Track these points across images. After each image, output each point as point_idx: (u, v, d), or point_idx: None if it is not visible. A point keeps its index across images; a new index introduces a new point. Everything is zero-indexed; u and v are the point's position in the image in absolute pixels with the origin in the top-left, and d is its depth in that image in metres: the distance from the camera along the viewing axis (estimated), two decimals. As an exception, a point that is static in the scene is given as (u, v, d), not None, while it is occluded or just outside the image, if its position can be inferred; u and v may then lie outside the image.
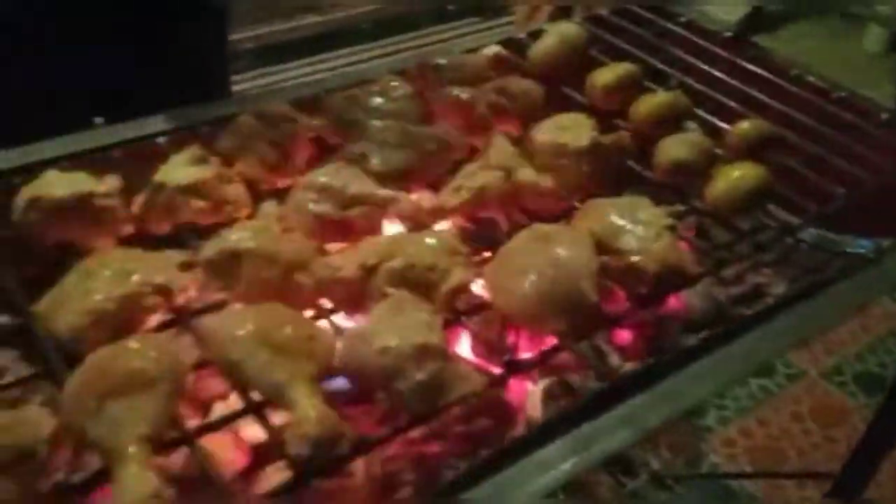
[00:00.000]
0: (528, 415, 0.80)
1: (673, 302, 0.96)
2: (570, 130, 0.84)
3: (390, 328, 0.62)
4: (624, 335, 0.93)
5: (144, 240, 0.76)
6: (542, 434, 0.65)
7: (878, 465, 1.25)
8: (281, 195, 0.82)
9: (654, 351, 0.86)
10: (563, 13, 1.86)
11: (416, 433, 0.77)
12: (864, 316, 2.21)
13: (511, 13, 3.29)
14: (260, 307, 0.64)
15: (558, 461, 0.62)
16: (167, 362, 0.59)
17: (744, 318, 0.81)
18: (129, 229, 0.77)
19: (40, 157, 0.84)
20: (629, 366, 0.84)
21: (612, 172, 0.85)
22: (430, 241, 0.71)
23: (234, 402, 0.74)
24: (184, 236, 0.77)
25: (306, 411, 0.57)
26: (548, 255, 0.69)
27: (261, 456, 0.76)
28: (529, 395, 0.83)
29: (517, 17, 2.08)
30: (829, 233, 1.02)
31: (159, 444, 0.56)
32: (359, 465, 0.76)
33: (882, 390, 1.99)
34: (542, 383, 0.83)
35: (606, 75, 0.96)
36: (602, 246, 0.74)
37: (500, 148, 0.81)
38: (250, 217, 0.79)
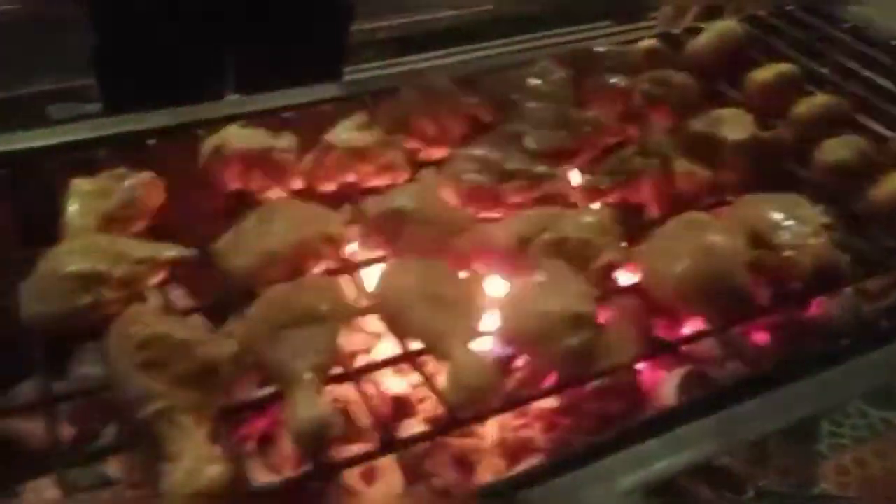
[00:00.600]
0: (663, 402, 0.81)
1: (814, 309, 0.94)
2: (729, 124, 0.84)
3: (546, 295, 0.64)
4: (761, 336, 0.92)
5: (310, 195, 0.82)
6: (682, 414, 0.66)
7: None
8: (434, 166, 0.85)
9: (791, 354, 0.85)
10: (711, 15, 1.84)
11: (550, 404, 0.79)
12: None
13: (644, 17, 3.26)
14: (425, 263, 0.68)
15: (699, 441, 0.63)
16: (339, 302, 0.63)
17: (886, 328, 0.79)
18: (298, 184, 0.82)
19: (220, 113, 0.91)
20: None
21: (767, 169, 0.84)
22: (585, 218, 0.73)
23: (374, 356, 0.79)
24: (345, 195, 0.82)
25: (466, 361, 0.59)
26: (702, 243, 0.70)
27: (400, 408, 0.80)
28: (663, 383, 0.83)
29: (660, 18, 2.07)
30: None
31: (327, 377, 0.60)
32: (491, 429, 0.79)
33: None
34: (677, 373, 0.84)
35: (766, 74, 0.95)
36: (756, 239, 0.73)
37: (657, 136, 0.82)
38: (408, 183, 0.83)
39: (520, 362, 0.79)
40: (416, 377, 0.84)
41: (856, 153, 0.83)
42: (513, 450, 0.78)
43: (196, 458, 0.53)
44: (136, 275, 0.67)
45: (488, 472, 0.76)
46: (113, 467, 0.78)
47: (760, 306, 0.74)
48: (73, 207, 0.73)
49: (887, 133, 0.91)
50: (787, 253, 0.72)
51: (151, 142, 0.87)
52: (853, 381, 0.72)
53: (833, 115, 0.90)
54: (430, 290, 0.64)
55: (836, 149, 0.84)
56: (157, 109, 0.91)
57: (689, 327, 0.87)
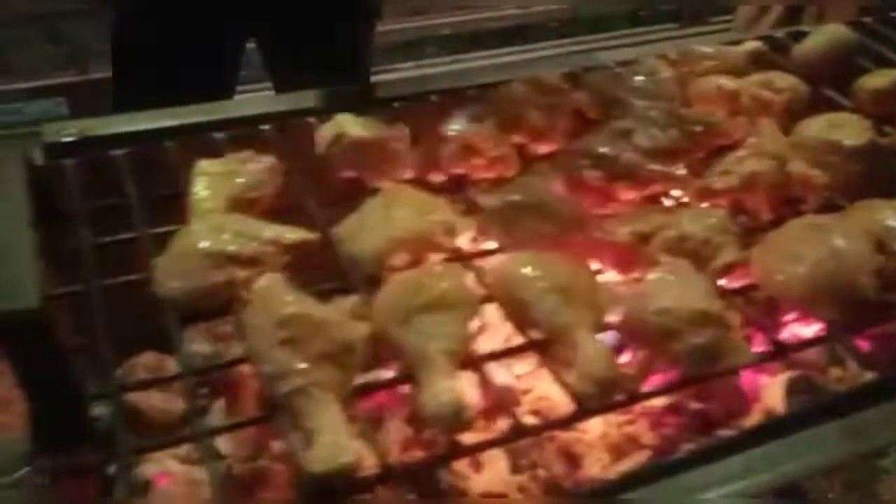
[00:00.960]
0: (769, 406, 0.81)
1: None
2: (843, 129, 0.83)
3: (672, 291, 0.64)
4: (863, 345, 0.91)
5: (420, 186, 0.83)
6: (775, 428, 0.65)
7: None
8: (543, 161, 0.86)
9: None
10: (792, 20, 1.81)
11: (654, 402, 0.79)
12: None
13: (709, 22, 3.21)
14: (547, 255, 0.68)
15: (825, 445, 0.62)
16: (467, 291, 0.64)
17: None
18: (409, 174, 0.83)
19: (333, 101, 0.93)
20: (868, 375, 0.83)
21: (883, 176, 0.83)
22: (705, 216, 0.73)
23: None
24: (454, 187, 0.83)
25: (596, 352, 0.60)
26: (826, 245, 0.69)
27: (499, 401, 0.81)
28: (769, 387, 0.83)
29: (737, 21, 2.04)
30: None
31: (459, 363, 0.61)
32: (594, 423, 0.80)
33: None
34: (783, 377, 0.83)
35: (878, 80, 0.94)
36: (877, 246, 0.72)
37: (771, 136, 0.82)
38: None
39: (625, 357, 0.79)
40: (519, 369, 0.85)
41: (976, 163, 0.82)
42: (618, 445, 0.78)
43: (337, 435, 0.55)
44: (264, 256, 0.69)
45: (594, 467, 0.77)
46: (223, 442, 0.81)
47: (881, 312, 0.73)
48: (199, 188, 0.75)
49: None
50: (909, 260, 0.71)
51: (265, 127, 0.89)
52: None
53: (949, 124, 0.89)
54: (555, 281, 0.65)
55: (956, 157, 0.83)
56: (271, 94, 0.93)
57: (789, 331, 0.86)
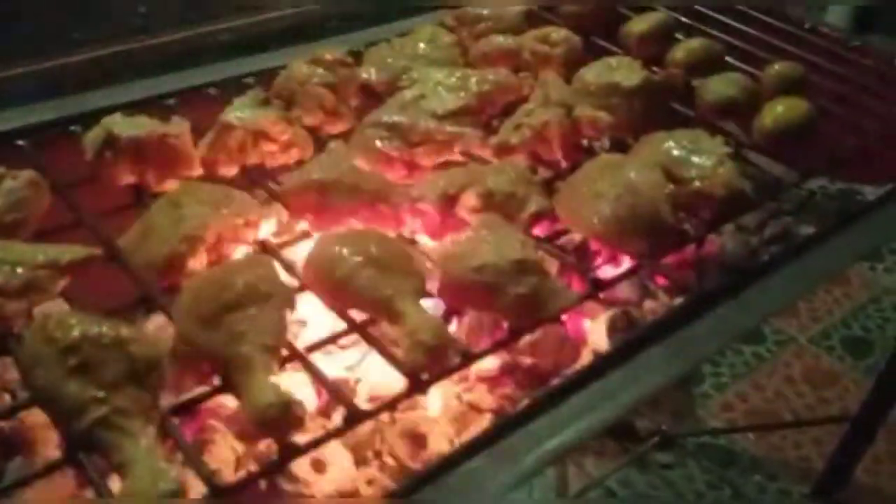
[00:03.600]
0: (594, 347, 0.83)
1: (709, 247, 0.99)
2: (620, 71, 0.87)
3: (488, 246, 0.63)
4: (668, 274, 0.95)
5: (212, 182, 0.76)
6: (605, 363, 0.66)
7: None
8: (338, 139, 0.82)
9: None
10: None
11: (489, 365, 0.79)
12: (845, 285, 2.29)
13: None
14: (356, 231, 0.65)
15: (618, 391, 0.64)
16: (277, 279, 0.59)
17: (775, 256, 0.82)
18: (197, 171, 0.76)
19: (94, 105, 0.83)
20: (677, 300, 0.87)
21: (660, 111, 0.87)
22: (506, 171, 0.73)
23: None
24: (250, 179, 0.78)
25: (421, 321, 0.57)
26: (622, 181, 0.71)
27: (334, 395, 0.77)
28: (592, 330, 0.85)
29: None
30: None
31: (279, 358, 0.56)
32: (435, 397, 0.78)
33: (869, 353, 2.07)
34: (604, 316, 0.85)
35: (642, 24, 0.99)
36: (666, 174, 0.76)
37: (555, 86, 0.83)
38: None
39: (464, 319, 0.78)
40: (347, 359, 0.81)
41: (738, 88, 0.88)
42: (461, 416, 0.77)
43: (153, 462, 0.48)
44: (38, 281, 0.60)
45: (440, 443, 0.75)
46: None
47: (682, 237, 0.76)
48: (-55, 219, 0.65)
49: (754, 71, 0.96)
50: (698, 184, 0.75)
51: (21, 143, 0.79)
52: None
53: (709, 57, 0.95)
54: (368, 255, 0.61)
55: (720, 85, 0.88)
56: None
57: (602, 272, 0.89)
